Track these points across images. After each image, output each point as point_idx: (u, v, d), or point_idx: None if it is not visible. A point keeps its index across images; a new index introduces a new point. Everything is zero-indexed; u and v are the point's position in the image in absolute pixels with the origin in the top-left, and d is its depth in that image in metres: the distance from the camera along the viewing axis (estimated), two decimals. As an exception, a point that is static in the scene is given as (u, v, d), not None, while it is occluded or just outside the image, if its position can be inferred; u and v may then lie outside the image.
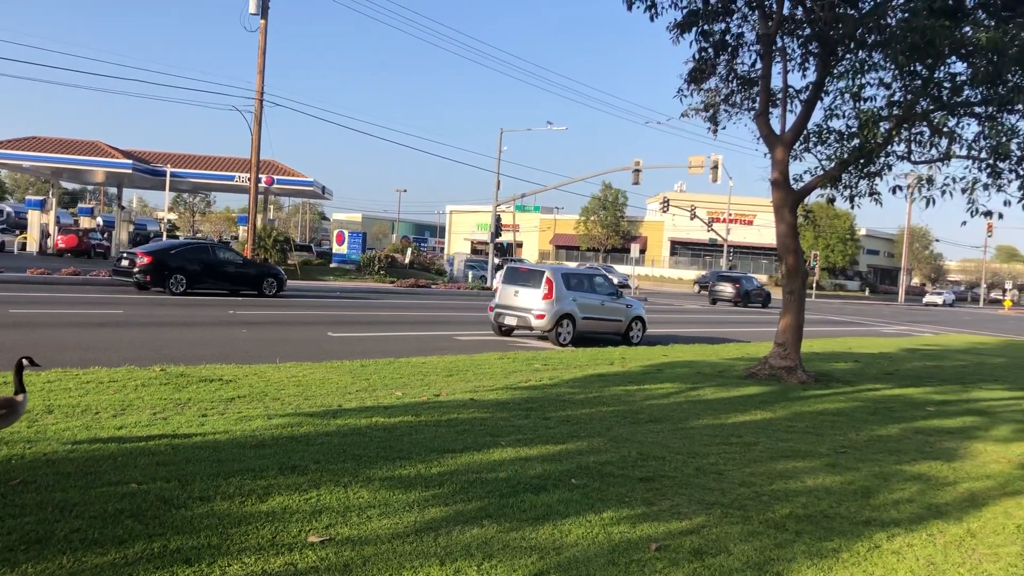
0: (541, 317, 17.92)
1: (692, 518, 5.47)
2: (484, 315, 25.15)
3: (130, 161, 40.79)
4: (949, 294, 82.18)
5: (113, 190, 59.72)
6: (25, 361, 5.96)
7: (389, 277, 40.89)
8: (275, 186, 43.33)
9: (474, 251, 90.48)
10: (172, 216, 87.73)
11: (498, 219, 48.41)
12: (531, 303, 18.10)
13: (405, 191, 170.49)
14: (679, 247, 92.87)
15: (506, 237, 76.52)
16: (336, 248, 46.20)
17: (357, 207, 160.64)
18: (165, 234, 39.23)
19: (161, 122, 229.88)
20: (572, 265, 76.22)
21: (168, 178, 38.54)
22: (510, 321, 18.45)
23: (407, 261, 48.29)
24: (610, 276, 27.84)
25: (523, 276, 18.89)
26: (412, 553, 4.49)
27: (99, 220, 58.97)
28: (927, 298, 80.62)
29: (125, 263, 24.80)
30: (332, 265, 44.34)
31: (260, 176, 35.80)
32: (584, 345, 17.68)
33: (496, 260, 47.68)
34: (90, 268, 29.83)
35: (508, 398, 9.69)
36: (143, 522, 4.64)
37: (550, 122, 50.16)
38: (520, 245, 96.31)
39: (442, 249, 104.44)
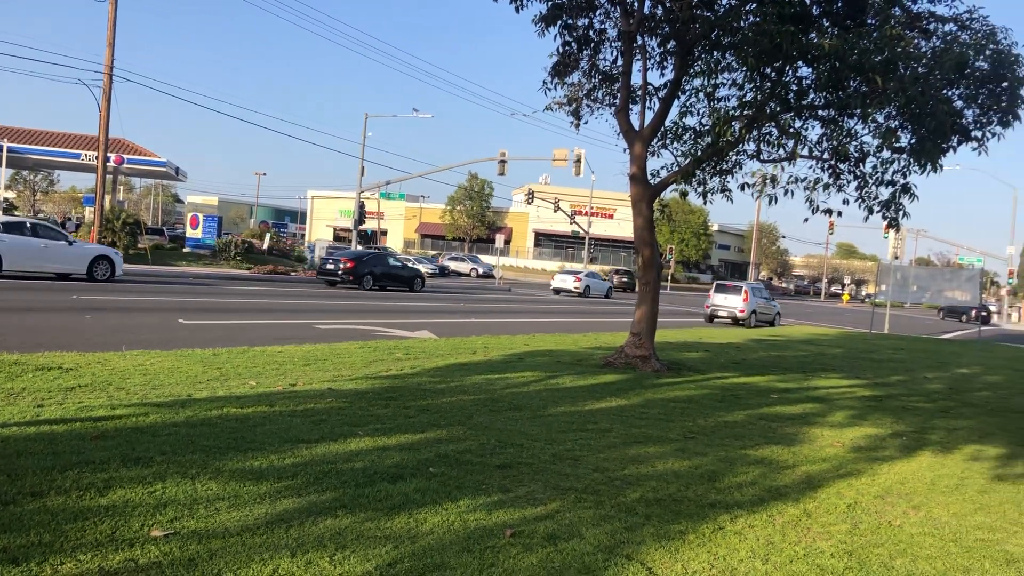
0: (743, 312, 31.60)
1: (547, 504, 5.55)
2: (346, 303, 24.81)
3: (-39, 134, 37.84)
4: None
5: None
6: None
7: (246, 263, 39.71)
8: (125, 166, 41.17)
9: (337, 238, 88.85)
10: (10, 195, 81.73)
11: (362, 206, 47.77)
12: (736, 304, 31.90)
13: (265, 175, 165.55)
14: (543, 238, 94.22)
15: (370, 225, 75.63)
16: (190, 232, 44.33)
17: (214, 190, 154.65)
18: (6, 213, 36.64)
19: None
20: (432, 254, 76.12)
21: (4, 153, 35.96)
22: (722, 314, 32.22)
23: (266, 247, 46.90)
24: (768, 289, 39.89)
25: (729, 288, 33.10)
26: (262, 546, 4.36)
27: (-76, 197, 54.33)
28: None
29: (331, 266, 33.30)
30: (186, 250, 42.57)
31: (109, 155, 33.97)
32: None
33: (359, 247, 47.01)
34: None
35: (368, 387, 9.56)
36: (-35, 521, 4.31)
37: (416, 109, 49.96)
38: (385, 233, 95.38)
39: (303, 235, 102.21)
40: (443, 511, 5.20)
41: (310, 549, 4.37)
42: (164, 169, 44.06)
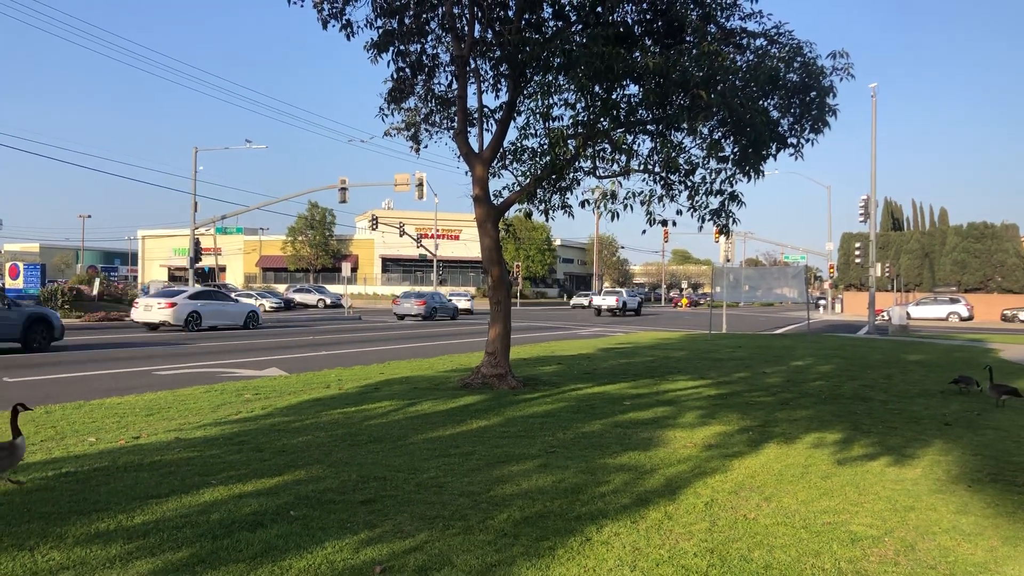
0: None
1: (415, 535, 5.47)
2: (187, 347, 23.74)
3: None
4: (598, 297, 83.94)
5: None
6: (20, 407, 6.85)
7: (76, 311, 37.45)
8: (-72, 216, 38.01)
9: (172, 278, 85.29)
10: None
11: (197, 243, 46.02)
12: None
13: (89, 217, 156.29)
14: (391, 264, 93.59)
15: (207, 261, 72.85)
16: (10, 283, 41.30)
17: (34, 236, 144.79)
18: None
19: None
20: (282, 288, 74.08)
21: None
22: None
23: (96, 293, 44.25)
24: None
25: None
26: (114, 616, 4.08)
27: None
28: (574, 300, 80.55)
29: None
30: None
31: (-92, 205, 31.22)
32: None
33: (198, 286, 45.16)
34: None
35: (217, 434, 9.16)
36: None
37: (249, 140, 48.68)
38: (223, 269, 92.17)
39: (136, 278, 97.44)
40: (308, 555, 5.03)
41: (168, 613, 4.12)
42: (-26, 217, 40.95)
